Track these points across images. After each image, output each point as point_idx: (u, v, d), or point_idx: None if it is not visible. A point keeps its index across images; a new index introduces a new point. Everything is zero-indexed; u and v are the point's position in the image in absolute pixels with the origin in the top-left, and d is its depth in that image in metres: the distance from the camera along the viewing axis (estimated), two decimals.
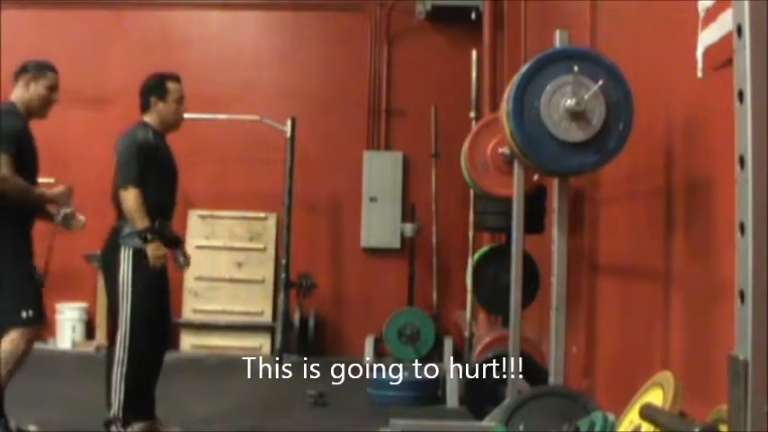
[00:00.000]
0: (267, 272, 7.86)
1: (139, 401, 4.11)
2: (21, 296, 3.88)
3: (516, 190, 3.83)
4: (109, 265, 4.13)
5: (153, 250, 4.03)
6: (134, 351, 4.00)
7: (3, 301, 3.85)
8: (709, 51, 2.44)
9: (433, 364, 6.89)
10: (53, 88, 4.14)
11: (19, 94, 4.09)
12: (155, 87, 4.32)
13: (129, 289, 4.04)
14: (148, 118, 4.29)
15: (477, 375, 4.42)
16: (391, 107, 8.18)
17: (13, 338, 3.80)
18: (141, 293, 4.05)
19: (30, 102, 4.08)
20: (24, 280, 3.92)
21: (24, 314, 3.84)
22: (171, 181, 4.34)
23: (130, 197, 4.03)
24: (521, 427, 3.22)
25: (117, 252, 4.08)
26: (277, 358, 6.96)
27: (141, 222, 4.02)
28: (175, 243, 4.39)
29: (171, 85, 4.33)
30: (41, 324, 4.01)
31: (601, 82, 3.06)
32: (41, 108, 4.12)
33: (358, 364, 7.09)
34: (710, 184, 2.64)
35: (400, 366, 6.57)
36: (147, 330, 4.07)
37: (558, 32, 3.40)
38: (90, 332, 7.68)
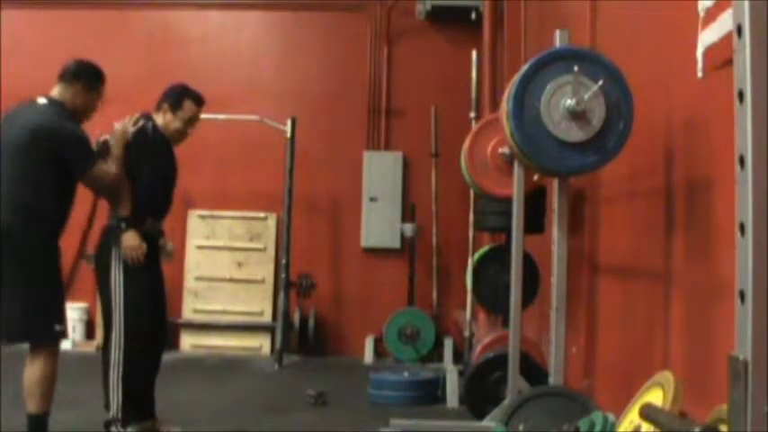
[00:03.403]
0: (267, 272, 7.86)
1: (138, 402, 4.10)
2: (53, 309, 3.83)
3: (516, 190, 3.83)
4: (101, 266, 4.11)
5: (126, 240, 3.99)
6: (129, 352, 3.99)
7: (34, 313, 3.76)
8: (709, 51, 2.44)
9: (433, 364, 6.92)
10: (101, 98, 4.07)
11: (69, 97, 3.93)
12: (173, 96, 4.30)
13: (121, 290, 4.01)
14: (155, 116, 4.28)
15: (477, 375, 4.42)
16: (391, 107, 8.18)
17: (45, 360, 3.74)
18: (133, 294, 4.03)
19: (80, 109, 3.96)
20: (55, 292, 3.87)
21: (57, 328, 3.80)
22: (167, 181, 4.31)
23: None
24: (521, 427, 3.22)
25: (108, 252, 4.05)
26: (277, 358, 6.96)
27: (121, 210, 4.03)
28: (158, 235, 4.34)
29: (187, 104, 4.30)
30: (66, 338, 3.99)
31: (601, 82, 3.06)
32: (88, 116, 4.04)
33: (358, 364, 7.11)
34: (710, 184, 2.64)
35: (400, 366, 6.59)
36: (141, 331, 4.05)
37: (558, 32, 3.41)
38: (90, 332, 7.70)
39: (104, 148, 4.09)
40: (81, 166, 3.87)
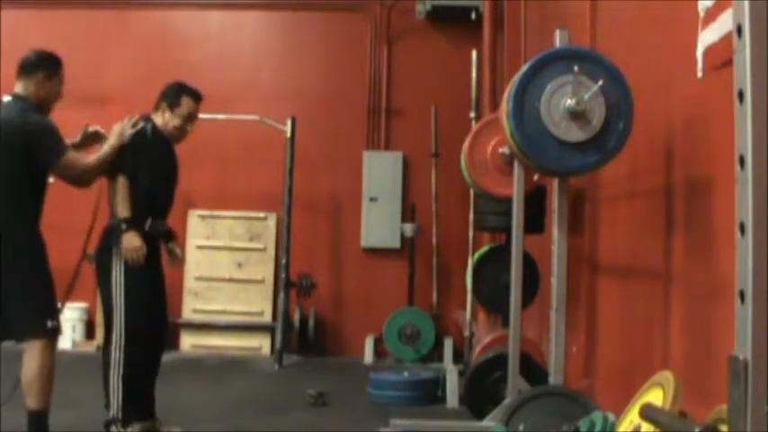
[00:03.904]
0: (267, 272, 7.86)
1: (138, 402, 4.10)
2: (45, 305, 3.84)
3: (516, 190, 3.83)
4: (102, 267, 4.12)
5: (127, 241, 4.00)
6: (129, 352, 3.99)
7: (27, 310, 3.78)
8: (709, 51, 2.44)
9: (433, 364, 6.92)
10: (63, 83, 4.08)
11: (33, 89, 3.93)
12: (170, 94, 4.30)
13: (122, 290, 4.02)
14: (154, 116, 4.28)
15: (477, 375, 4.42)
16: (391, 107, 8.18)
17: (41, 354, 3.74)
18: (134, 295, 4.03)
19: (45, 99, 3.96)
20: (48, 289, 3.87)
21: (49, 324, 3.80)
22: (166, 181, 4.32)
23: (116, 185, 4.05)
24: (521, 427, 3.22)
25: (109, 253, 4.06)
26: (277, 358, 6.96)
27: (122, 211, 4.02)
28: (168, 237, 4.36)
29: (185, 100, 4.30)
30: (61, 333, 3.99)
31: (601, 82, 3.06)
32: (52, 105, 4.04)
33: (358, 364, 7.11)
34: (710, 184, 2.64)
35: (400, 366, 6.58)
36: (141, 331, 4.05)
37: (558, 32, 3.41)
38: (90, 332, 7.70)
39: (92, 138, 4.11)
40: (50, 157, 3.86)
